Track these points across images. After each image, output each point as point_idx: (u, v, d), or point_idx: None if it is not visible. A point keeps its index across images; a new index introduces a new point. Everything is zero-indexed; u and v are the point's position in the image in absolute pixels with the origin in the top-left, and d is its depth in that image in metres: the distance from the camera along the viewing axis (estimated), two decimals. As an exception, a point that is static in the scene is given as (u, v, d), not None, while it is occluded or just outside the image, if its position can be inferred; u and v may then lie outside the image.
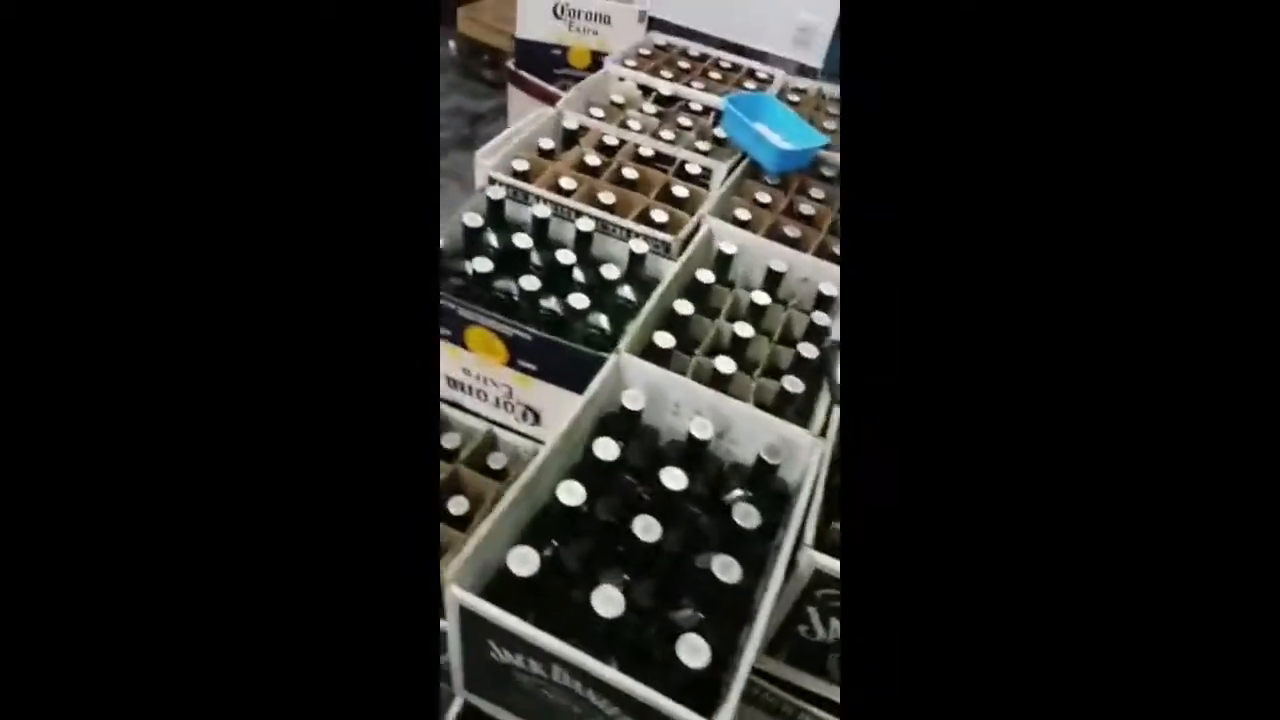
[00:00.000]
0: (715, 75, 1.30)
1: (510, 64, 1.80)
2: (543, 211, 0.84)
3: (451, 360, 0.82)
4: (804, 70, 2.58)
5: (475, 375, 0.83)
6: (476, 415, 0.87)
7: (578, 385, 0.76)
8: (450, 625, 0.52)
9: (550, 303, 0.77)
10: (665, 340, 0.70)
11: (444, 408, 0.86)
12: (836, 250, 0.91)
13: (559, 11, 1.65)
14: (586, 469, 0.60)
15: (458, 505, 0.77)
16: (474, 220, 0.81)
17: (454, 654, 0.56)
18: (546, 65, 1.73)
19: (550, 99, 1.69)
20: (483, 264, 0.76)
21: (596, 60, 1.73)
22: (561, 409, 0.80)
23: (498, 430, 0.85)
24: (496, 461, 0.83)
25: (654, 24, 1.67)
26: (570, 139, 1.04)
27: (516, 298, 0.76)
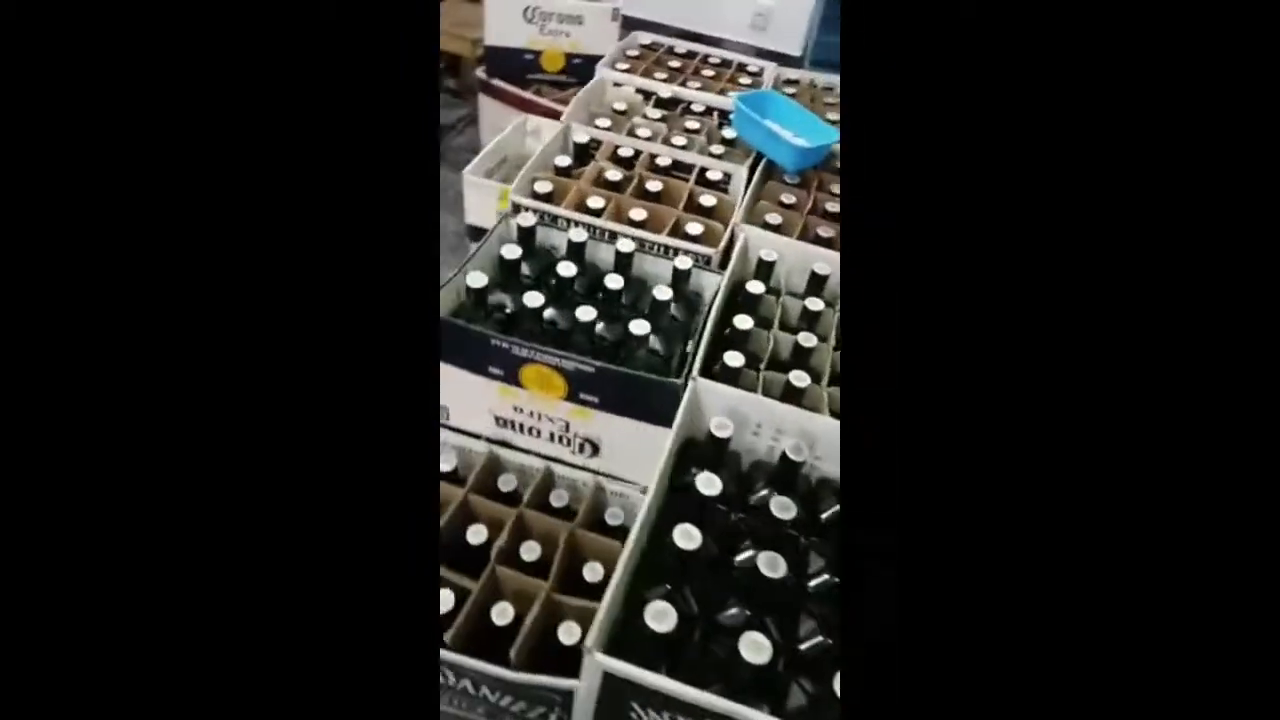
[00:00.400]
0: (708, 73, 1.28)
1: (480, 72, 1.74)
2: (579, 235, 0.81)
3: (501, 399, 0.79)
4: (761, 54, 2.57)
5: (528, 412, 0.80)
6: (527, 452, 0.84)
7: (642, 413, 0.74)
8: (586, 689, 0.50)
9: (603, 329, 0.75)
10: (735, 359, 0.69)
11: (494, 448, 0.83)
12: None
13: (529, 15, 1.60)
14: (689, 506, 0.58)
15: (530, 551, 0.74)
16: (512, 252, 0.77)
17: (581, 714, 0.54)
18: (518, 71, 1.68)
19: (525, 106, 1.65)
20: (534, 298, 0.72)
21: (570, 62, 1.69)
22: (623, 438, 0.78)
23: (554, 466, 0.82)
24: (559, 499, 0.80)
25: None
26: (582, 153, 1.00)
27: (571, 329, 0.74)
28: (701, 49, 1.36)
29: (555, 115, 1.60)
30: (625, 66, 1.25)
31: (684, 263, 0.80)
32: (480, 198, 1.39)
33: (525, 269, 0.80)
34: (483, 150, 1.43)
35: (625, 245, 0.80)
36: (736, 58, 1.34)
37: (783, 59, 2.58)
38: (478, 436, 0.85)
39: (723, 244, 0.85)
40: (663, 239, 0.84)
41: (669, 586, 0.55)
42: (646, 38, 1.38)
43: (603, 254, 0.84)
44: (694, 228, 0.86)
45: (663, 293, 0.76)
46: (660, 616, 0.48)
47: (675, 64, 1.29)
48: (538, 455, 0.84)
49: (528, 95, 1.66)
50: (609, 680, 0.47)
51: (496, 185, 1.38)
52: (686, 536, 0.53)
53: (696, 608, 0.54)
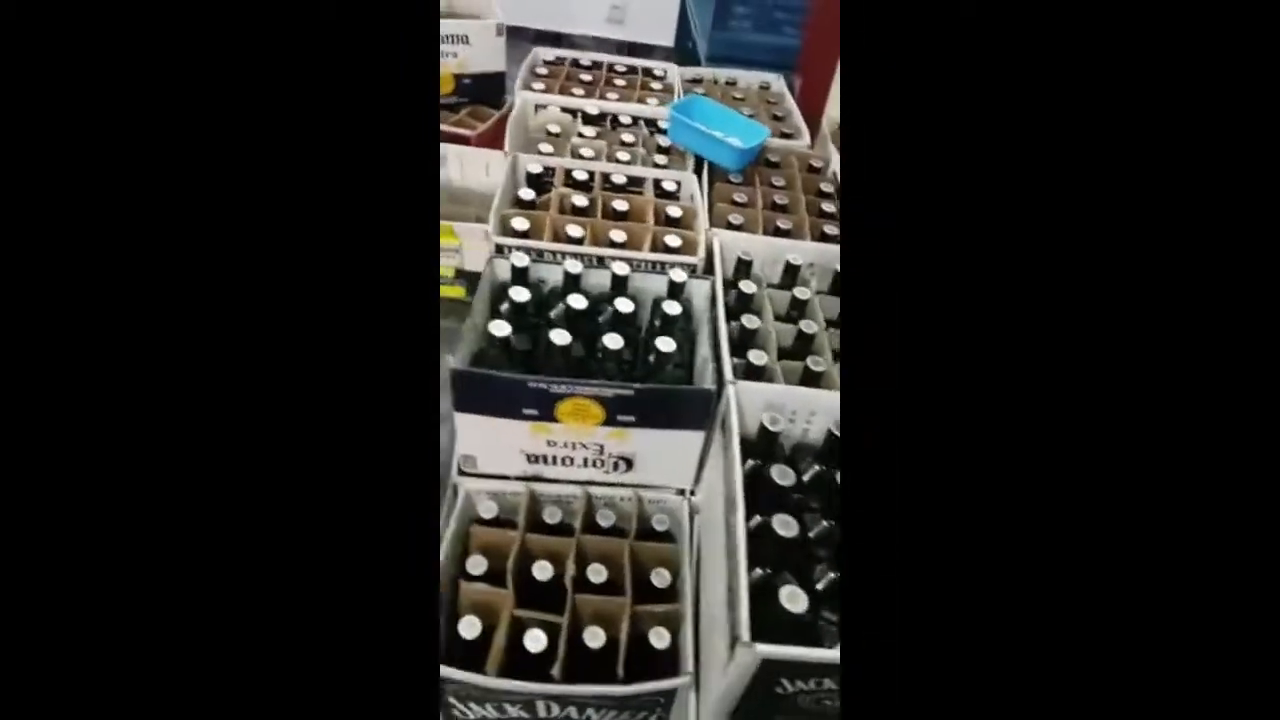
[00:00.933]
0: (621, 83, 1.32)
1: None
2: (574, 266, 0.84)
3: (534, 437, 0.81)
4: (633, 49, 2.64)
5: (562, 444, 0.82)
6: (555, 480, 0.86)
7: (674, 422, 0.79)
8: (736, 677, 0.56)
9: (632, 352, 0.79)
10: (760, 357, 0.76)
11: (531, 486, 0.85)
12: (826, 230, 1.00)
13: (414, 40, 1.54)
14: (768, 496, 0.65)
15: (597, 574, 0.77)
16: (520, 294, 0.79)
17: (723, 698, 0.59)
18: (408, 97, 1.62)
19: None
20: (561, 336, 0.75)
21: (460, 83, 1.66)
22: (656, 449, 0.83)
23: (590, 489, 0.86)
24: (605, 519, 0.84)
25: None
26: (536, 182, 1.02)
27: (602, 357, 0.77)
28: (606, 58, 1.40)
29: (458, 140, 1.57)
30: (541, 86, 1.26)
31: (679, 275, 0.85)
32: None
33: (531, 308, 0.82)
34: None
35: (621, 268, 0.84)
36: (640, 63, 1.39)
37: (657, 51, 2.66)
38: (506, 477, 0.86)
39: (703, 251, 0.91)
40: (651, 255, 0.89)
41: (769, 570, 0.62)
42: (549, 54, 1.39)
43: (594, 279, 0.88)
44: (672, 240, 0.92)
45: (673, 307, 0.81)
46: (794, 598, 0.54)
47: (587, 77, 1.32)
48: (570, 482, 0.86)
49: (422, 121, 1.61)
50: (765, 664, 0.53)
51: (427, 220, 1.35)
52: (785, 525, 0.59)
53: (798, 582, 0.61)
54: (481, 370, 0.74)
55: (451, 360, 0.76)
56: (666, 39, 2.62)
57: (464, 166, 1.57)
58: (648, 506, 0.87)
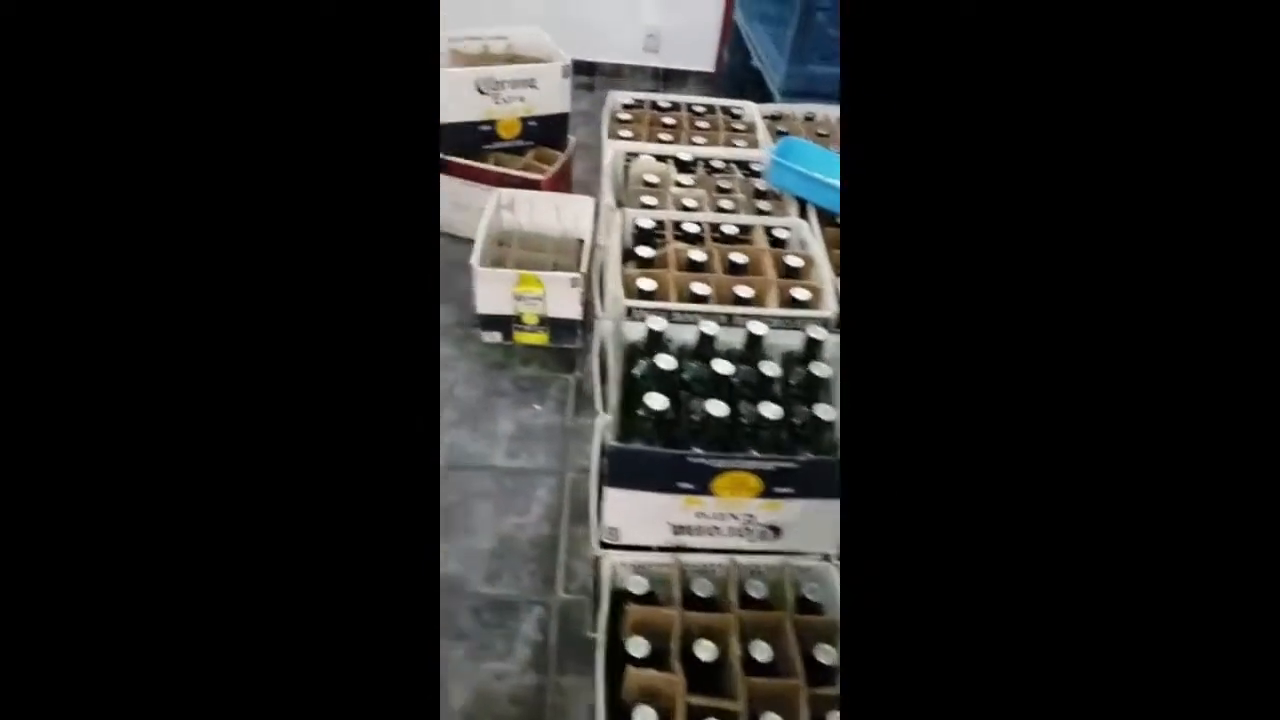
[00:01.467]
0: (703, 124, 1.30)
1: (431, 151, 1.65)
2: (711, 328, 0.81)
3: (685, 509, 0.78)
4: (669, 75, 2.64)
5: (712, 515, 0.79)
6: (699, 550, 0.83)
7: (833, 492, 0.76)
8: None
9: (787, 420, 0.76)
10: (925, 422, 0.73)
11: (677, 558, 0.82)
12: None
13: (482, 87, 1.54)
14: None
15: (762, 652, 0.74)
16: (668, 362, 0.76)
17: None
18: (475, 144, 1.62)
19: (485, 178, 1.60)
20: (718, 407, 0.72)
21: (525, 125, 1.65)
22: (807, 518, 0.80)
23: (736, 558, 0.83)
24: (756, 591, 0.81)
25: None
26: (647, 237, 1.00)
27: (756, 426, 0.74)
28: (682, 99, 1.39)
29: (529, 185, 1.56)
30: (628, 134, 1.25)
31: (818, 333, 0.82)
32: (493, 288, 1.34)
33: (676, 375, 0.79)
34: (477, 236, 1.38)
35: (758, 328, 0.82)
36: (718, 102, 1.38)
37: (693, 77, 2.65)
38: (648, 548, 0.84)
39: (834, 303, 0.89)
40: (783, 311, 0.86)
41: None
42: (626, 97, 1.38)
43: (724, 338, 0.85)
44: (800, 293, 0.89)
45: (822, 370, 0.78)
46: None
47: (670, 120, 1.30)
48: (713, 551, 0.83)
49: (486, 167, 1.61)
50: None
51: (512, 273, 1.34)
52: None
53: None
54: (639, 447, 0.71)
55: (607, 436, 0.74)
56: (705, 64, 2.61)
57: (534, 211, 1.57)
58: (798, 575, 0.84)
